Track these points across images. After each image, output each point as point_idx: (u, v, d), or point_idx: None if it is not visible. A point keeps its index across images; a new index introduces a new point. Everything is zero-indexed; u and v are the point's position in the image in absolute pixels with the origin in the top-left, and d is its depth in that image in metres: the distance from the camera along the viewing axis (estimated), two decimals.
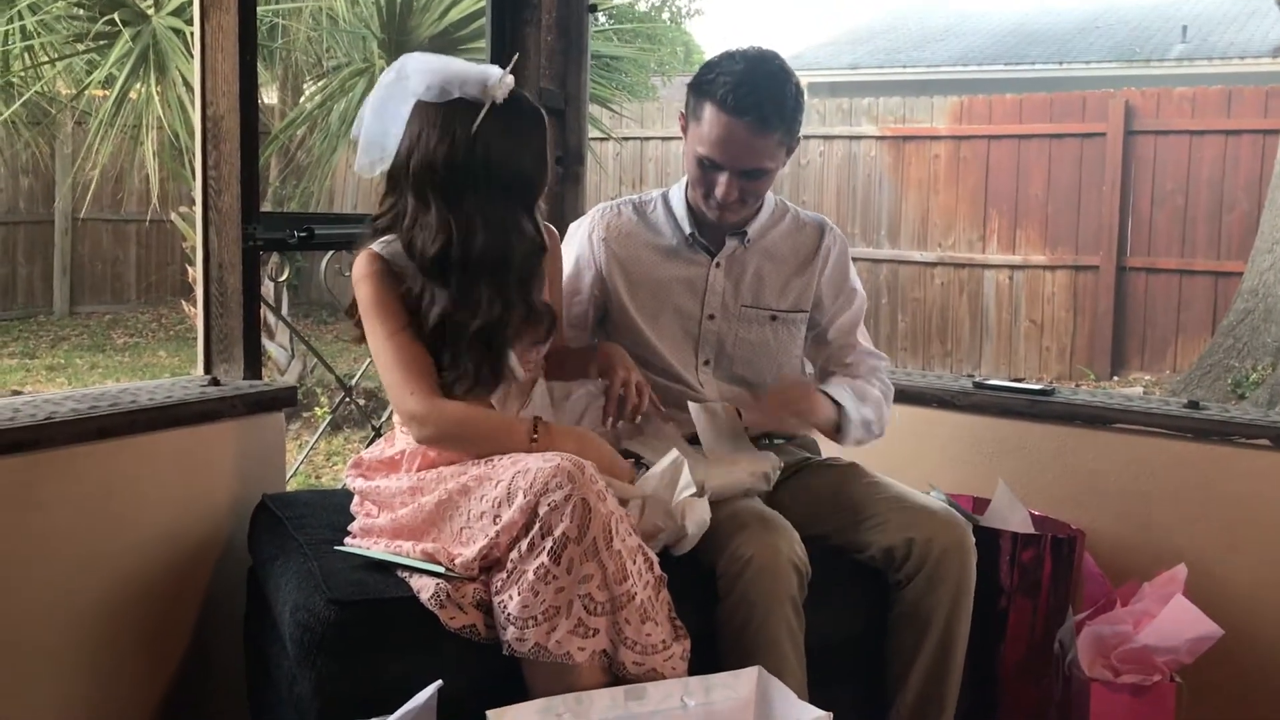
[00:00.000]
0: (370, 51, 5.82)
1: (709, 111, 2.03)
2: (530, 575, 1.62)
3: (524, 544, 1.64)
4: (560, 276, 2.13)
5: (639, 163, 9.40)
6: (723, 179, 2.05)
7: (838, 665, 1.95)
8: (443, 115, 1.81)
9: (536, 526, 1.63)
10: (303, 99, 6.68)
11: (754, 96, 2.00)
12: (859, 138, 8.75)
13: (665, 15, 17.01)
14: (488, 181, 1.80)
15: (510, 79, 1.83)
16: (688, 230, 2.18)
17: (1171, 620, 2.09)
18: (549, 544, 1.62)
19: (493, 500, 1.69)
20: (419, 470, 1.86)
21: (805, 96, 2.11)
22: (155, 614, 2.10)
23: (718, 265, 2.18)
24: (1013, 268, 8.40)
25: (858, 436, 2.16)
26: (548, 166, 1.89)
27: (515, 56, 1.91)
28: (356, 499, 1.97)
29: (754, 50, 2.09)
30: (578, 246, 2.23)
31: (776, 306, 2.19)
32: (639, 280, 2.19)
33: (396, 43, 5.68)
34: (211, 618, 2.18)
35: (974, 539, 1.98)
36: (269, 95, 6.72)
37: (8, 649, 1.89)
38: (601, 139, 8.04)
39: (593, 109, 4.68)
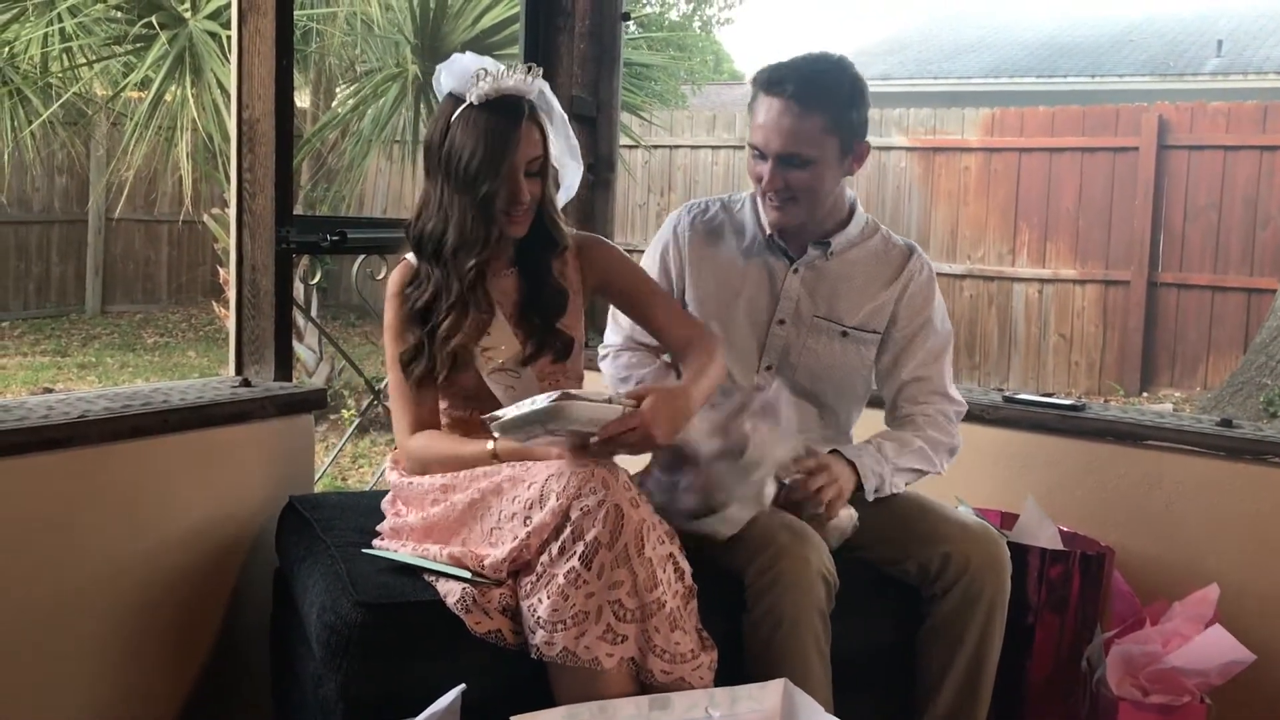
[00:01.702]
0: (403, 57, 5.85)
1: (757, 98, 2.02)
2: (561, 579, 1.62)
3: (554, 547, 1.65)
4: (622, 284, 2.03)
5: (668, 170, 9.40)
6: (767, 168, 2.02)
7: (864, 678, 1.94)
8: (444, 101, 1.89)
9: (568, 530, 1.64)
10: (335, 103, 6.73)
11: (795, 75, 1.98)
12: (889, 148, 8.71)
13: (696, 24, 17.02)
14: (445, 171, 1.86)
15: (493, 82, 1.82)
16: (769, 232, 2.13)
17: (1204, 644, 2.07)
18: (580, 548, 1.62)
19: (524, 501, 1.70)
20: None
21: (867, 97, 2.04)
22: (183, 613, 2.11)
23: (795, 271, 2.13)
24: (1042, 281, 8.35)
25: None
26: (497, 168, 1.81)
27: (523, 63, 1.89)
28: (389, 497, 1.98)
29: (819, 51, 2.06)
30: (662, 240, 2.22)
31: (849, 323, 2.13)
32: (714, 276, 2.15)
33: (430, 48, 5.71)
34: (238, 618, 2.20)
35: (1007, 552, 1.97)
36: (301, 99, 6.77)
37: (38, 644, 1.91)
38: (631, 146, 8.05)
39: (623, 116, 4.68)
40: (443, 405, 1.95)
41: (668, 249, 2.20)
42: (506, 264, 1.96)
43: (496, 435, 1.75)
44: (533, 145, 1.86)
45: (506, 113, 1.84)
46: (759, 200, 2.12)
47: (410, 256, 1.92)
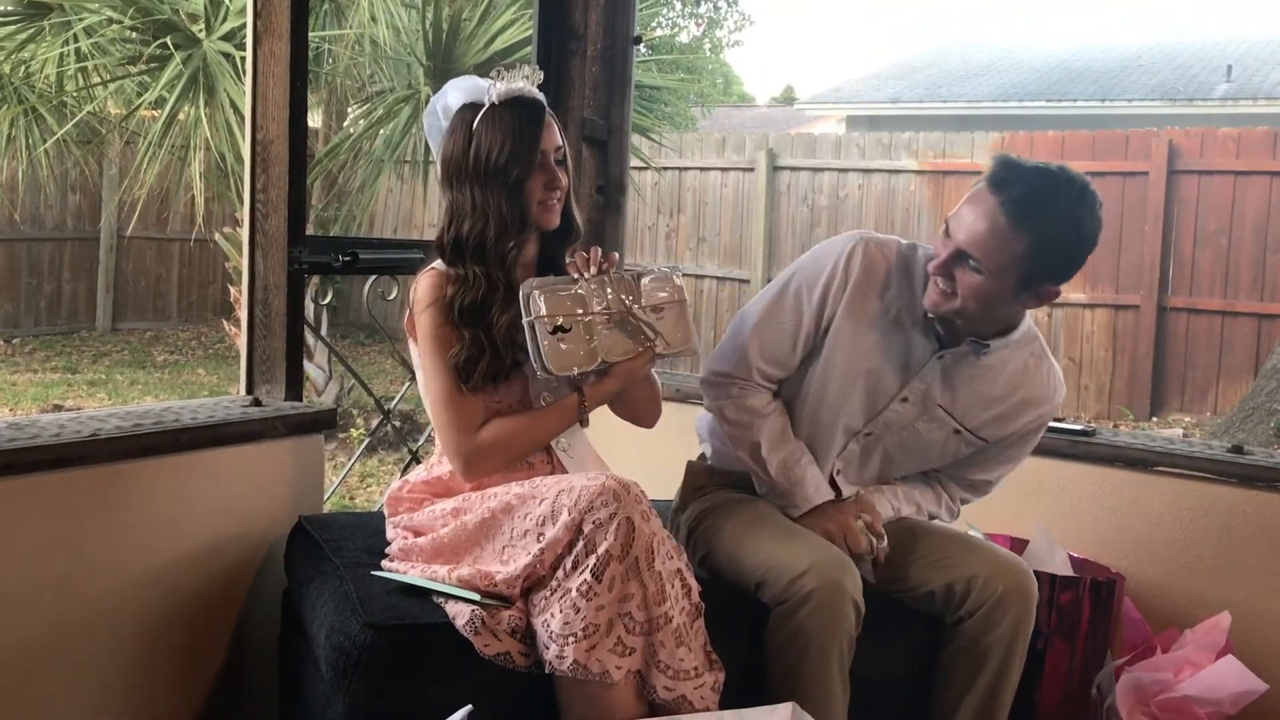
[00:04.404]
0: (415, 78, 5.88)
1: (980, 184, 1.84)
2: (573, 592, 1.63)
3: (568, 561, 1.66)
4: None
5: (677, 192, 9.43)
6: (946, 251, 1.86)
7: (879, 702, 1.93)
8: (456, 117, 1.92)
9: (580, 544, 1.65)
10: (347, 123, 6.76)
11: (1023, 184, 1.78)
12: (898, 171, 8.74)
13: (706, 46, 17.10)
14: (475, 171, 1.88)
15: (508, 81, 1.90)
16: (931, 314, 1.94)
17: (1216, 673, 2.06)
18: (592, 561, 1.64)
19: (537, 518, 1.71)
20: (471, 490, 1.89)
21: (1087, 245, 1.82)
22: (191, 632, 2.11)
23: (940, 358, 1.97)
24: (1051, 305, 8.34)
25: None
26: (529, 155, 1.88)
27: (529, 69, 1.95)
28: (391, 526, 1.98)
29: (1076, 176, 1.83)
30: (827, 270, 1.98)
31: (967, 424, 2.01)
32: (854, 336, 1.98)
33: (441, 70, 5.73)
34: (247, 637, 2.20)
35: (1035, 585, 1.94)
36: (313, 119, 6.79)
37: (46, 662, 1.91)
38: (641, 168, 8.07)
39: (633, 138, 4.69)
40: None
41: (831, 285, 1.98)
42: (535, 272, 1.98)
43: (541, 374, 1.82)
44: (556, 135, 1.92)
45: (529, 105, 1.90)
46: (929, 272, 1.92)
47: (438, 264, 1.92)
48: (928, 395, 1.99)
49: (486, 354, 1.84)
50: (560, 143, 1.92)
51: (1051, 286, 1.87)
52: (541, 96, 1.94)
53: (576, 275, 1.84)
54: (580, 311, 1.82)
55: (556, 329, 1.79)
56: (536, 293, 1.79)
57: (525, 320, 1.79)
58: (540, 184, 1.89)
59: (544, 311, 1.79)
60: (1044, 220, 1.78)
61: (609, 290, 1.85)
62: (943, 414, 2.00)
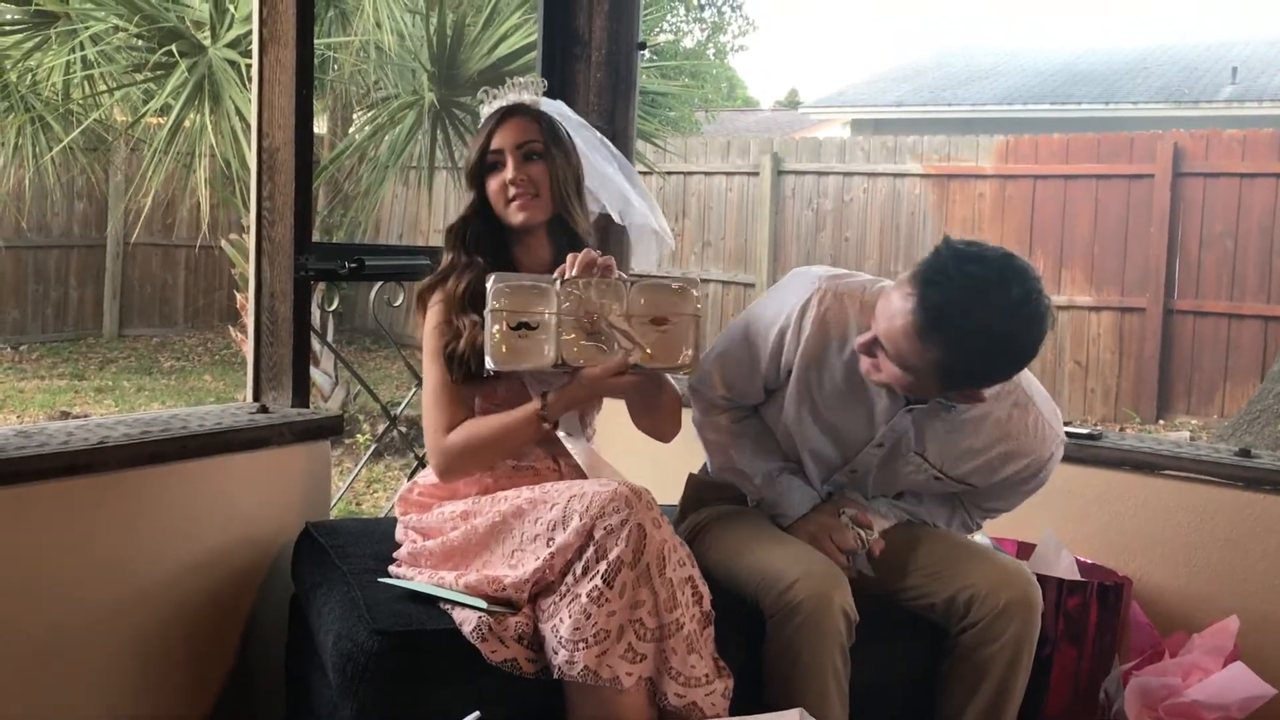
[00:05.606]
0: (420, 84, 5.89)
1: (908, 273, 1.74)
2: (583, 598, 1.63)
3: (578, 567, 1.66)
4: None
5: (682, 196, 9.43)
6: (872, 325, 1.77)
7: (883, 709, 1.93)
8: None
9: (591, 549, 1.65)
10: (352, 129, 6.77)
11: (947, 291, 1.63)
12: (903, 175, 8.73)
13: (710, 51, 17.12)
14: (465, 176, 2.01)
15: (490, 100, 2.01)
16: None
17: (1224, 678, 2.05)
18: (603, 567, 1.63)
19: (547, 523, 1.71)
20: (479, 493, 1.89)
21: (1018, 357, 1.69)
22: (199, 639, 2.12)
23: (909, 411, 1.88)
24: (1058, 308, 8.23)
25: None
26: (481, 155, 1.97)
27: (528, 78, 2.06)
28: (401, 527, 1.99)
29: (1017, 279, 1.65)
30: (780, 319, 1.92)
31: (948, 473, 1.95)
32: (814, 379, 1.92)
33: (446, 76, 5.75)
34: (254, 644, 2.20)
35: (1040, 595, 1.91)
36: (318, 125, 6.80)
37: (54, 669, 1.92)
38: (645, 173, 8.08)
39: (638, 143, 4.69)
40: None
41: (785, 335, 1.91)
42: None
43: (492, 370, 1.82)
44: (520, 130, 1.96)
45: (496, 111, 1.99)
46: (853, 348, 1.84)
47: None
48: (902, 442, 1.93)
49: (462, 343, 1.89)
50: (529, 137, 1.96)
51: (976, 390, 1.76)
52: (523, 97, 2.01)
53: (556, 276, 1.83)
54: (540, 310, 1.80)
55: (521, 325, 1.79)
56: (500, 286, 1.80)
57: (485, 311, 1.81)
58: (499, 183, 1.95)
59: (499, 305, 1.79)
60: (957, 335, 1.64)
61: (577, 293, 1.80)
62: (920, 459, 1.94)
